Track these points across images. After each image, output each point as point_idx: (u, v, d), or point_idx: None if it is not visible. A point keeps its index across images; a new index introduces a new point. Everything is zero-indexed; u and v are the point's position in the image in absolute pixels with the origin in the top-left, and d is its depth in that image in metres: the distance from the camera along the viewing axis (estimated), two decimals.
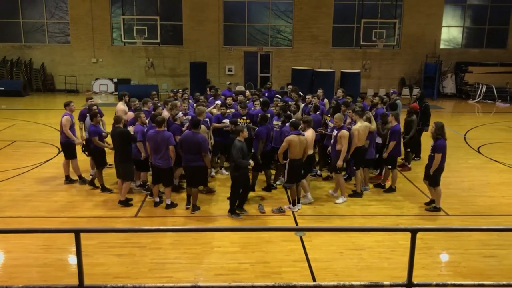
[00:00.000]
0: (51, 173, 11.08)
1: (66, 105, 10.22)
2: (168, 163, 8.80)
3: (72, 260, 7.15)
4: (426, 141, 12.40)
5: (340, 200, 9.45)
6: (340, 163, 9.15)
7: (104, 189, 9.90)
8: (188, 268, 6.95)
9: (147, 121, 9.51)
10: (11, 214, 8.76)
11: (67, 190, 10.03)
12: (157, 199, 9.17)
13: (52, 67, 24.90)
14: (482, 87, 23.85)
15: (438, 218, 8.90)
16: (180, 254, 7.29)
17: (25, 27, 24.77)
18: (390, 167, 10.06)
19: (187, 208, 9.02)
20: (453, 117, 20.81)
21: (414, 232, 3.80)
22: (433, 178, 9.03)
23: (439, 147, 8.83)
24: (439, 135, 8.86)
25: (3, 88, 22.88)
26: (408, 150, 11.52)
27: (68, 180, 10.34)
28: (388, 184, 10.26)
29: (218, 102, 11.38)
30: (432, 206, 9.22)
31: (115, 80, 24.80)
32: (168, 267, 6.93)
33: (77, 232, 3.71)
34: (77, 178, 10.36)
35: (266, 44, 25.47)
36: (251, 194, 9.81)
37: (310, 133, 9.06)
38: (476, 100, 23.73)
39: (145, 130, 9.25)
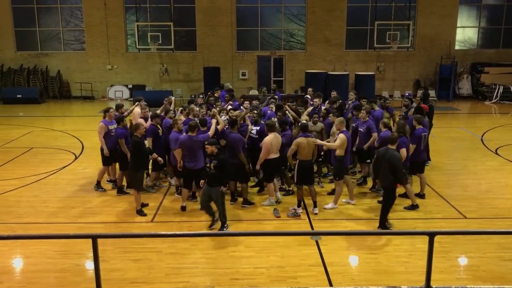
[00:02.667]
0: (68, 179, 11.21)
1: (106, 111, 10.15)
2: (200, 164, 8.89)
3: (90, 265, 7.21)
4: (432, 142, 12.29)
5: (329, 206, 9.38)
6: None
7: (121, 191, 10.05)
8: (204, 272, 6.97)
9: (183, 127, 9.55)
10: (29, 220, 8.87)
11: (84, 196, 10.13)
12: (184, 204, 9.23)
13: (68, 74, 25.22)
14: (498, 88, 23.50)
15: (456, 221, 8.78)
16: (196, 259, 7.31)
17: (42, 35, 25.15)
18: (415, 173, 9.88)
19: (231, 203, 9.48)
20: (470, 119, 20.58)
21: (431, 235, 3.77)
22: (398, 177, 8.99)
23: (401, 144, 8.83)
24: (401, 133, 8.93)
25: (20, 96, 23.23)
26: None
27: (114, 184, 10.42)
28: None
29: (229, 106, 11.41)
30: (410, 205, 9.29)
31: (130, 86, 25.02)
32: (184, 272, 6.95)
33: (94, 238, 3.75)
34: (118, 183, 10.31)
35: (279, 48, 25.47)
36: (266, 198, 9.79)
37: (272, 137, 9.09)
38: (493, 101, 23.40)
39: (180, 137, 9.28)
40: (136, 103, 11.30)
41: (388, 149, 8.20)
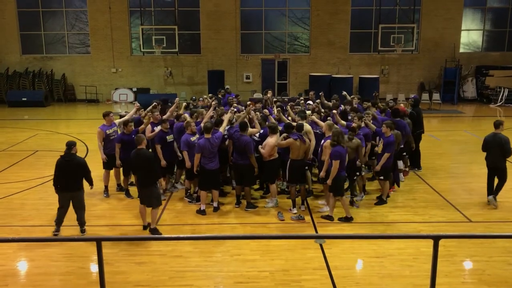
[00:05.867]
0: None
1: (105, 115, 10.14)
2: (218, 164, 9.11)
3: (94, 268, 7.23)
4: (425, 149, 12.15)
5: (325, 209, 9.36)
6: (323, 174, 8.96)
7: (127, 193, 10.05)
8: (208, 276, 6.96)
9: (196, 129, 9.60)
10: (34, 223, 8.89)
11: (88, 199, 10.07)
12: (203, 207, 9.21)
13: (73, 77, 25.32)
14: (503, 91, 23.43)
15: (461, 225, 8.74)
16: (200, 262, 7.31)
17: (47, 38, 25.27)
18: (382, 177, 9.61)
19: (236, 207, 9.51)
20: (474, 122, 20.51)
21: (436, 239, 3.75)
22: (332, 187, 8.69)
23: (335, 153, 8.49)
24: (336, 141, 8.46)
25: (25, 99, 23.34)
26: (404, 154, 11.24)
27: (119, 187, 10.45)
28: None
29: (234, 109, 11.40)
30: (326, 214, 9.03)
31: (134, 89, 25.07)
32: (188, 275, 6.95)
33: (98, 241, 3.76)
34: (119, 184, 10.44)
35: (283, 51, 25.49)
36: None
37: (273, 140, 9.16)
38: (498, 104, 23.33)
39: (191, 139, 9.33)
40: (154, 103, 10.83)
41: (496, 133, 9.23)
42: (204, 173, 9.08)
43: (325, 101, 12.82)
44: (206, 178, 9.11)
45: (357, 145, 9.17)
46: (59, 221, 8.26)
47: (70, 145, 8.19)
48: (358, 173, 9.44)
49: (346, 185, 9.32)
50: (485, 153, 9.67)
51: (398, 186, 10.45)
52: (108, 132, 9.97)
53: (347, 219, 8.83)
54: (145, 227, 8.53)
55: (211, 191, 9.30)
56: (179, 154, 9.80)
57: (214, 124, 9.33)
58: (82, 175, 8.24)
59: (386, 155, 9.30)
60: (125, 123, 9.70)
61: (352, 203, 9.52)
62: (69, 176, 8.09)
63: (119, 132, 9.98)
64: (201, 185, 9.28)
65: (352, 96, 12.96)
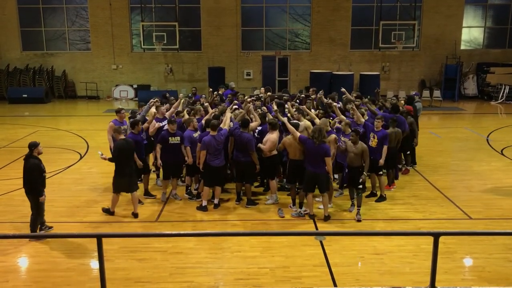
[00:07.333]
0: (72, 178, 11.25)
1: (117, 112, 10.21)
2: (223, 160, 9.18)
3: (94, 264, 7.24)
4: (425, 146, 12.15)
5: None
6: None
7: (147, 194, 9.97)
8: (208, 272, 6.97)
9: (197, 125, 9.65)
10: None
11: (88, 195, 10.16)
12: (205, 203, 9.21)
13: (73, 74, 25.31)
14: (504, 88, 23.40)
15: (461, 222, 8.75)
16: (200, 259, 7.32)
17: (47, 35, 25.25)
18: (381, 173, 9.60)
19: (236, 204, 9.51)
20: (475, 119, 20.50)
21: (436, 236, 3.76)
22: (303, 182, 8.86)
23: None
24: (311, 136, 8.36)
25: (26, 95, 23.33)
26: (408, 153, 11.26)
27: None
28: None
29: (234, 106, 11.41)
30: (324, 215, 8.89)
31: (135, 86, 25.07)
32: (188, 271, 6.96)
33: (99, 237, 3.77)
34: None
35: (284, 48, 25.46)
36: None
37: (274, 136, 9.20)
38: (499, 101, 23.30)
39: (193, 135, 9.38)
40: (155, 98, 10.85)
41: None
42: (209, 170, 9.08)
43: (325, 100, 12.79)
44: (211, 175, 9.13)
45: (362, 150, 8.62)
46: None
47: (31, 146, 8.17)
48: (361, 186, 8.98)
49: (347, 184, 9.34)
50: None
51: (397, 179, 10.44)
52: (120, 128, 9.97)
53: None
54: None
55: (215, 187, 9.31)
56: (186, 158, 9.62)
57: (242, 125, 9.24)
58: (25, 178, 8.00)
59: (385, 147, 9.34)
60: (135, 123, 9.61)
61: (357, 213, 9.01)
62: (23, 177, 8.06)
63: (128, 132, 9.97)
64: (206, 181, 9.28)
65: (349, 94, 12.87)
